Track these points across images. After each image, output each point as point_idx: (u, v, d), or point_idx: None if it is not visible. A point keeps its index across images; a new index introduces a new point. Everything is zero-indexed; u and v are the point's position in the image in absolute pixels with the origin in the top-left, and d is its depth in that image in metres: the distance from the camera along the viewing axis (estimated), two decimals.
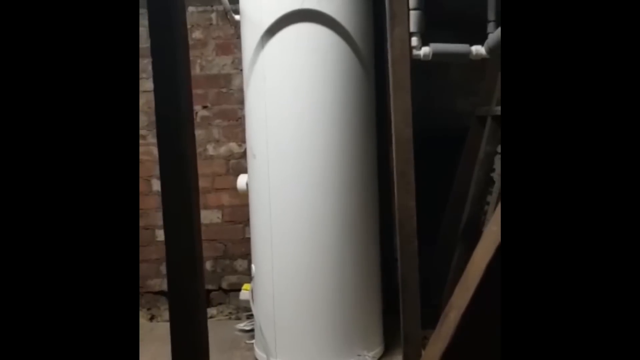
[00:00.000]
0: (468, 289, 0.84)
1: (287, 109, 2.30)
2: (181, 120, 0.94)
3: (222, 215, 3.30)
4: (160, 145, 0.96)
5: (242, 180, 2.60)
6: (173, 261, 1.01)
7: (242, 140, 3.18)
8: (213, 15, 3.21)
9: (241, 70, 2.70)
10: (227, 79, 3.23)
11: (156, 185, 3.27)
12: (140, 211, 3.24)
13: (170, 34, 0.93)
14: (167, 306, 1.10)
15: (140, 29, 3.05)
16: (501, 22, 1.47)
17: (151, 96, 1.06)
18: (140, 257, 3.28)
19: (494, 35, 2.34)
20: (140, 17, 3.05)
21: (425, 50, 2.35)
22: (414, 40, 2.30)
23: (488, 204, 2.76)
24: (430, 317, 1.75)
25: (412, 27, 2.26)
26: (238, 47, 2.94)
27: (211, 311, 3.26)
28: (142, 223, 3.26)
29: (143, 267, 3.29)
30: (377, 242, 2.54)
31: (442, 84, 3.06)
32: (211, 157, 3.26)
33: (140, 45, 3.05)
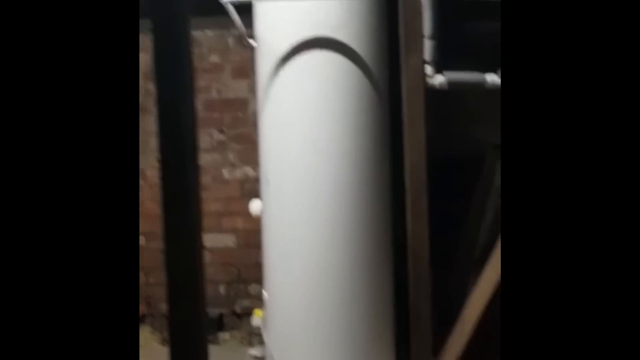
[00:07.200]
0: (463, 334, 0.82)
1: (302, 135, 2.30)
2: (185, 151, 0.93)
3: (237, 239, 3.30)
4: (163, 178, 0.95)
5: (255, 205, 2.60)
6: (174, 291, 1.00)
7: (257, 163, 3.18)
8: (229, 40, 3.24)
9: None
10: (243, 102, 3.25)
11: None
12: (155, 234, 3.25)
13: (175, 64, 0.92)
14: None
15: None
16: (501, 64, 1.46)
17: None
18: (154, 280, 3.28)
19: None
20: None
21: (440, 79, 2.34)
22: (429, 69, 2.29)
23: None
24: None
25: (427, 56, 2.25)
26: (254, 71, 2.96)
27: (224, 336, 3.24)
28: (156, 245, 3.26)
29: (156, 290, 3.29)
30: (390, 269, 2.50)
31: (458, 111, 3.04)
32: (226, 180, 3.27)
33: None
